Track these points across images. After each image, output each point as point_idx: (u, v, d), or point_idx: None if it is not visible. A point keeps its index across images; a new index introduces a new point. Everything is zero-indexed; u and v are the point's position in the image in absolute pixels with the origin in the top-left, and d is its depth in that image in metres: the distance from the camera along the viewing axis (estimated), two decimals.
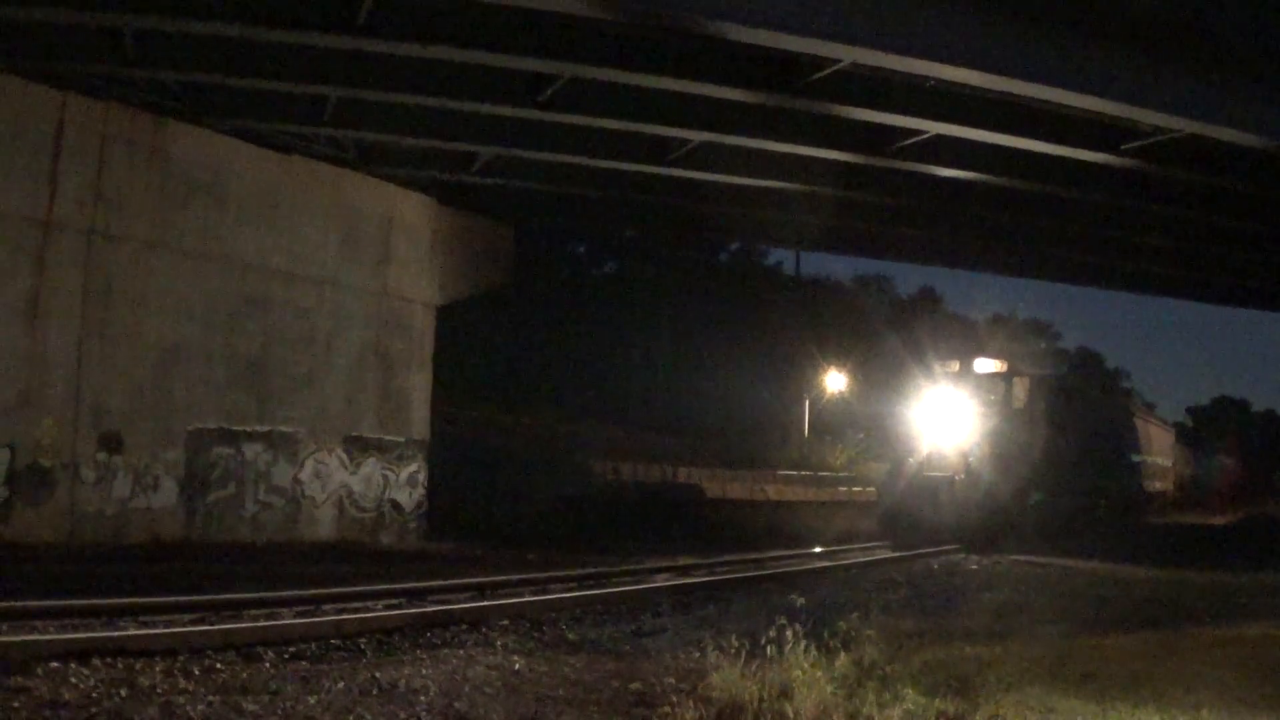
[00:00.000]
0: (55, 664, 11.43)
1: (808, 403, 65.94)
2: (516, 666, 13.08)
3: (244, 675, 11.77)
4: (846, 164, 31.82)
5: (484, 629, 15.78)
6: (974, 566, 28.20)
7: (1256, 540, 41.98)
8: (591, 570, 24.12)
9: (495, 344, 59.60)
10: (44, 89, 25.74)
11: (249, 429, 29.76)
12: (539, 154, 31.43)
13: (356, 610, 16.85)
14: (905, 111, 27.33)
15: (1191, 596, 22.68)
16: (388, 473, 33.35)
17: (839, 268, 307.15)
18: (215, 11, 22.70)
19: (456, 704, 11.09)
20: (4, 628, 13.59)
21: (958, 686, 11.99)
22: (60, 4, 22.29)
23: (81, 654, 11.84)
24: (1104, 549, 32.80)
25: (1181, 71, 25.44)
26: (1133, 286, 52.71)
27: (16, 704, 10.05)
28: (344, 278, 32.28)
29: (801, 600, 14.91)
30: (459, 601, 18.46)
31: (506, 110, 28.20)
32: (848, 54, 23.44)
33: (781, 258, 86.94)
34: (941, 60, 23.32)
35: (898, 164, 31.13)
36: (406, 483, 33.83)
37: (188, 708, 10.30)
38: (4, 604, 14.68)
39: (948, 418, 35.48)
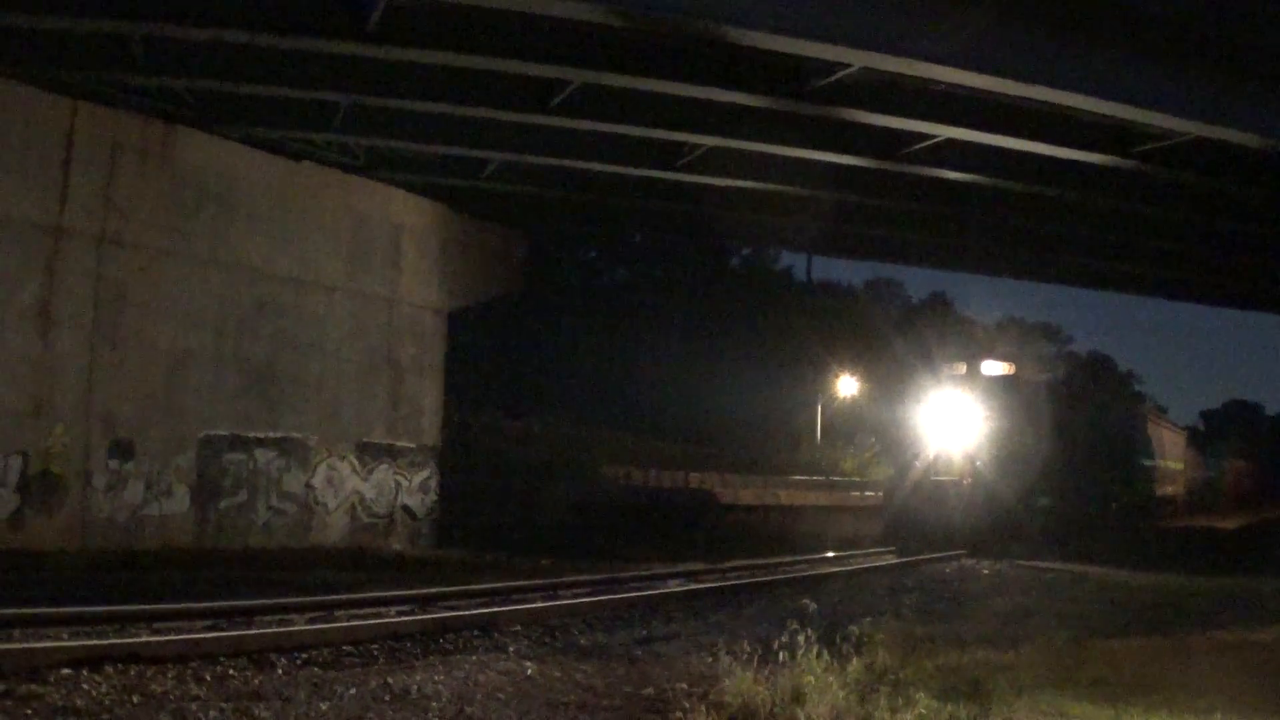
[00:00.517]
0: (67, 671, 11.41)
1: (819, 407, 65.93)
2: (529, 672, 13.06)
3: (256, 682, 11.76)
4: (856, 168, 31.80)
5: (496, 634, 15.75)
6: (985, 571, 28.16)
7: (1268, 544, 41.83)
8: (603, 576, 24.12)
9: (506, 350, 59.65)
10: (54, 97, 25.78)
11: (260, 435, 29.79)
12: (549, 160, 31.45)
13: (368, 616, 16.86)
14: (914, 116, 27.29)
15: (1202, 601, 22.63)
16: (399, 479, 33.39)
17: (850, 272, 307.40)
18: (224, 18, 22.73)
19: (468, 709, 11.08)
20: (16, 634, 13.59)
21: (970, 691, 11.99)
22: (69, 12, 22.33)
23: (94, 661, 11.82)
24: (1113, 554, 32.60)
25: (1192, 75, 25.38)
26: (1144, 290, 52.74)
27: (29, 711, 10.05)
28: (354, 284, 32.31)
29: (813, 605, 14.91)
30: (471, 607, 18.43)
31: (516, 116, 28.24)
32: (857, 59, 23.42)
33: (792, 262, 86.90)
34: (951, 64, 23.28)
35: (907, 168, 31.09)
36: (418, 489, 33.87)
37: (199, 714, 10.30)
38: (16, 611, 14.67)
39: (954, 421, 35.16)
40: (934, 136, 28.88)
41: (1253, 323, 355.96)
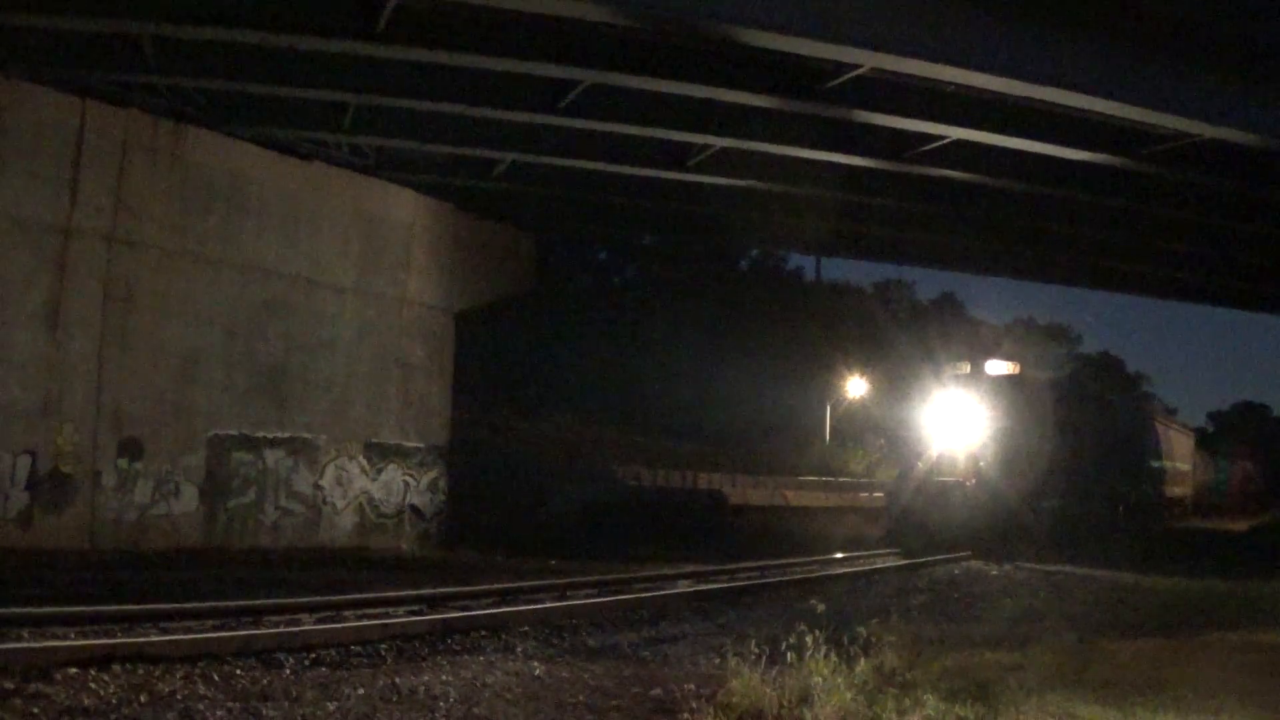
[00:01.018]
0: (75, 670, 11.42)
1: (829, 408, 65.92)
2: (536, 673, 13.07)
3: (263, 682, 11.77)
4: (865, 169, 31.81)
5: (504, 635, 15.74)
6: (993, 573, 28.13)
7: (1277, 546, 41.74)
8: (612, 576, 24.10)
9: (515, 350, 59.64)
10: (64, 96, 25.79)
11: (270, 435, 29.80)
12: (559, 160, 31.48)
13: (376, 616, 16.85)
14: (924, 116, 27.30)
15: (1211, 603, 22.58)
16: (408, 479, 33.38)
17: (859, 273, 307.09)
18: (234, 18, 22.76)
19: (476, 710, 11.09)
20: (24, 634, 13.59)
21: (978, 692, 11.97)
22: (80, 12, 22.36)
23: (101, 660, 11.83)
24: (1121, 556, 32.36)
25: (1201, 75, 25.37)
26: (1153, 291, 52.65)
27: (36, 710, 10.06)
28: (364, 284, 32.32)
29: (821, 606, 14.86)
30: (479, 607, 18.43)
31: (526, 116, 28.27)
32: (867, 59, 23.44)
33: (801, 263, 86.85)
34: (961, 65, 23.30)
35: (916, 169, 31.09)
36: (427, 489, 33.86)
37: (207, 714, 10.31)
38: (24, 610, 14.69)
39: (958, 421, 34.92)
40: (943, 137, 28.88)
41: (1262, 324, 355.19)
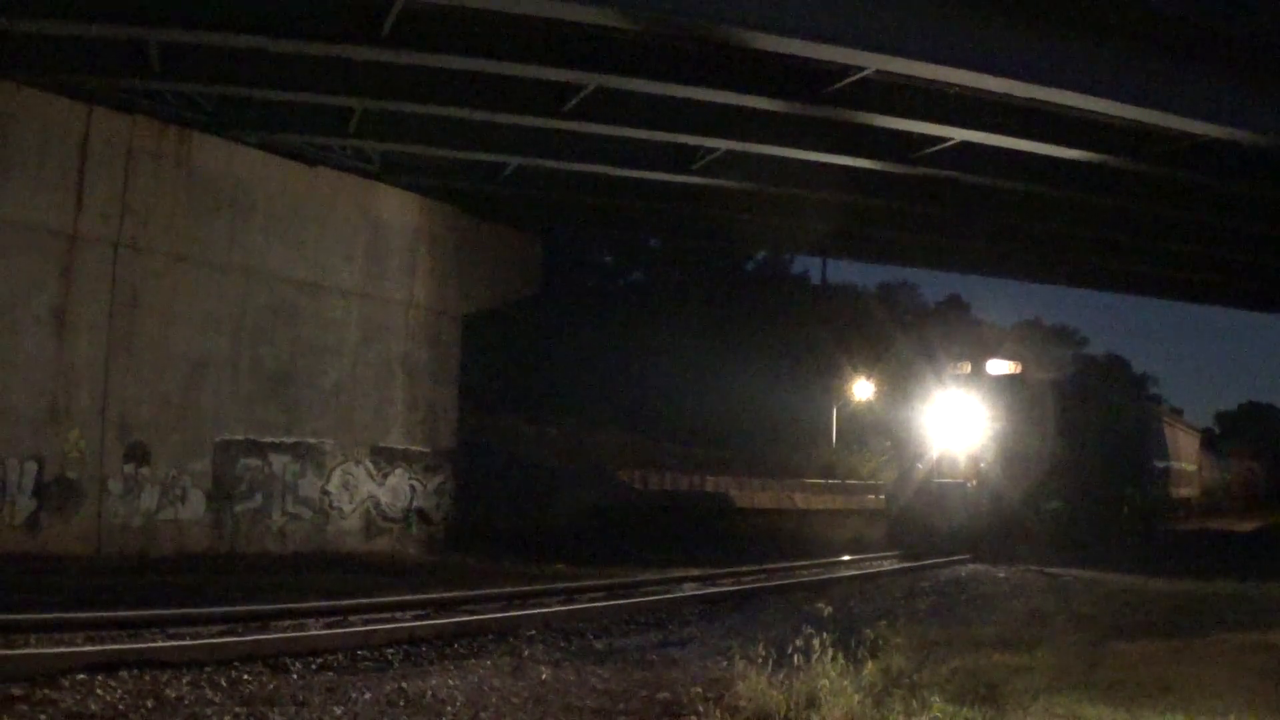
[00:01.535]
0: (82, 676, 11.44)
1: (835, 410, 65.86)
2: (544, 676, 13.06)
3: (271, 687, 11.78)
4: (870, 171, 31.82)
5: (511, 639, 15.75)
6: (1001, 575, 28.08)
7: None
8: (619, 580, 24.11)
9: (522, 353, 59.58)
10: (69, 102, 25.84)
11: (276, 440, 29.82)
12: (565, 164, 31.50)
13: (383, 621, 16.87)
14: (929, 118, 27.31)
15: (1218, 604, 22.52)
16: (415, 483, 33.39)
17: (865, 275, 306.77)
18: (239, 24, 22.78)
19: (483, 714, 11.08)
20: (31, 640, 13.62)
21: (985, 694, 11.96)
22: (84, 18, 22.37)
23: (108, 666, 11.85)
24: (1125, 558, 32.13)
25: (1206, 75, 25.37)
26: (1160, 292, 52.66)
27: (44, 716, 10.07)
28: (371, 289, 32.34)
29: (828, 609, 14.85)
30: (486, 611, 18.44)
31: (532, 120, 28.29)
32: (871, 62, 23.46)
33: (807, 266, 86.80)
34: (965, 67, 23.31)
35: (922, 171, 31.08)
36: (434, 493, 33.88)
37: (214, 719, 10.32)
38: (32, 616, 14.73)
39: (959, 421, 34.48)
40: (948, 139, 28.89)
41: (1269, 324, 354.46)
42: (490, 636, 15.83)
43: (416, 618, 17.50)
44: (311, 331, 30.85)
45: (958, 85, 25.48)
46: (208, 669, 12.29)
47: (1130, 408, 52.59)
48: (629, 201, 35.92)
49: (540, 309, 51.72)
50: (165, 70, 25.24)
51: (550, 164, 31.76)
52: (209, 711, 10.59)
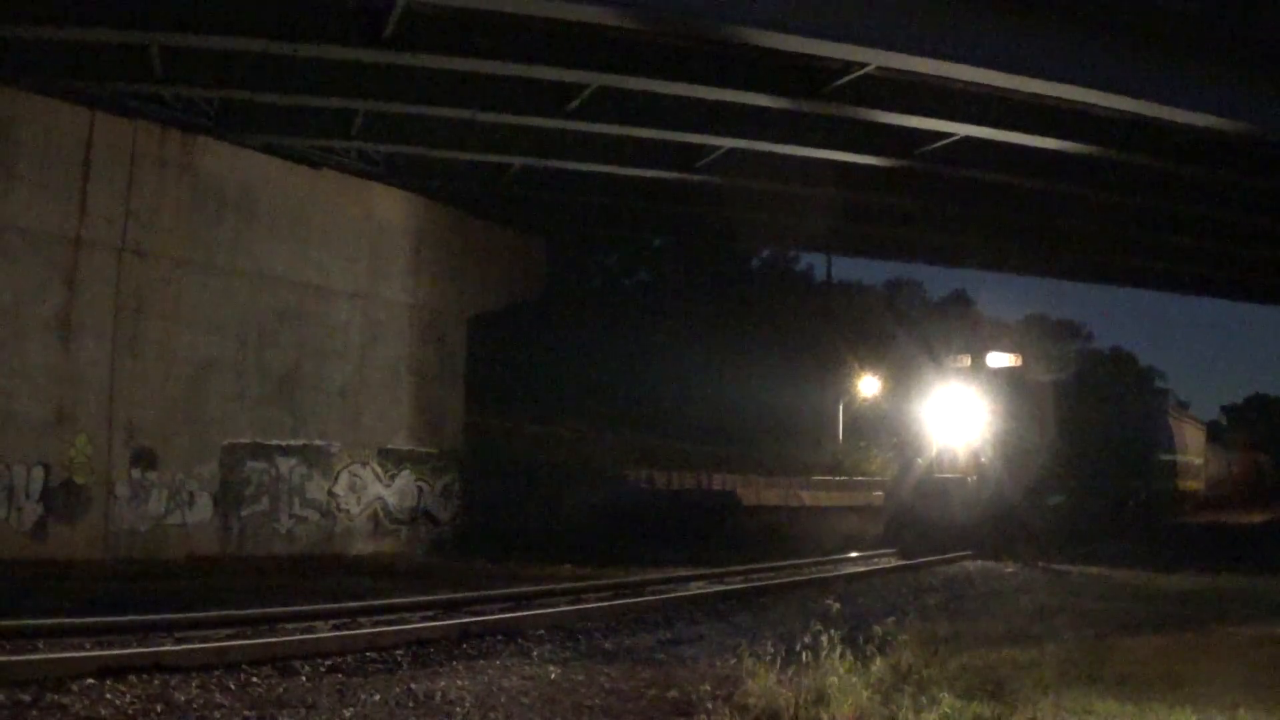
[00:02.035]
0: (91, 681, 11.44)
1: (841, 407, 65.84)
2: (553, 676, 13.06)
3: (280, 689, 11.78)
4: (874, 168, 31.80)
5: (520, 639, 15.73)
6: (1009, 570, 28.03)
7: None
8: (626, 579, 24.10)
9: (528, 354, 59.60)
10: (72, 108, 25.87)
11: (283, 443, 29.84)
12: (568, 164, 31.49)
13: (392, 622, 16.85)
14: (932, 114, 27.31)
15: (1226, 598, 22.48)
16: (422, 485, 33.41)
17: (870, 272, 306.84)
18: (241, 28, 22.82)
19: (492, 715, 11.09)
20: (40, 645, 13.63)
21: (994, 690, 11.95)
22: (88, 23, 22.41)
23: (117, 670, 11.84)
24: (1128, 552, 31.96)
25: (1210, 70, 25.34)
26: (1165, 286, 52.60)
27: None
28: (376, 291, 32.36)
29: (836, 605, 14.83)
30: (494, 612, 18.44)
31: (535, 121, 28.34)
32: (874, 58, 23.47)
33: (811, 263, 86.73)
34: (967, 63, 23.30)
35: (926, 167, 31.06)
36: (440, 494, 33.89)
37: None
38: (40, 621, 14.73)
39: (959, 416, 34.08)
40: (951, 135, 28.88)
41: (1275, 318, 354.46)
42: (499, 637, 15.81)
43: (424, 619, 17.47)
44: (317, 334, 30.88)
45: (961, 81, 25.48)
46: (216, 672, 12.29)
47: (1134, 400, 52.28)
48: (633, 201, 35.94)
49: (545, 309, 51.68)
50: (168, 74, 25.29)
51: (554, 164, 31.79)
52: (218, 715, 10.59)
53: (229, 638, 14.79)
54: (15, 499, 24.58)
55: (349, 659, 13.64)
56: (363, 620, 17.19)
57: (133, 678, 11.73)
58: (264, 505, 29.32)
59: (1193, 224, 38.72)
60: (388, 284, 32.80)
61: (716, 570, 26.28)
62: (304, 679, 12.43)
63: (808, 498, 53.24)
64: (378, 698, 11.49)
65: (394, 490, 32.60)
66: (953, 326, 39.45)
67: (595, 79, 25.42)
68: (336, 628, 16.32)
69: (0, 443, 24.57)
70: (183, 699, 11.08)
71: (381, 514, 32.16)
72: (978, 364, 34.99)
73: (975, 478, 33.07)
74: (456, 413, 35.08)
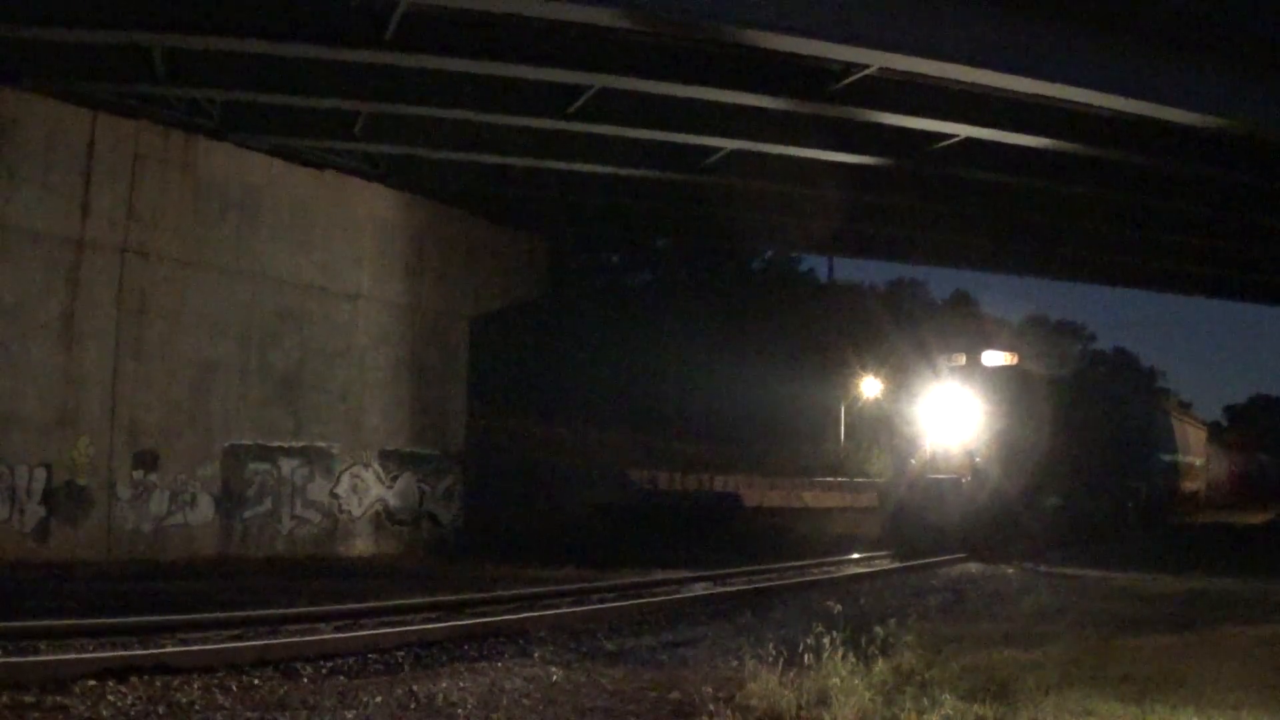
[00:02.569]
0: (93, 682, 11.45)
1: (843, 408, 65.90)
2: (555, 678, 13.05)
3: (282, 691, 11.78)
4: (876, 169, 31.77)
5: (522, 641, 15.73)
6: (1010, 571, 27.99)
7: None
8: (629, 580, 24.10)
9: (531, 355, 59.67)
10: (75, 109, 25.88)
11: (285, 444, 29.84)
12: (571, 165, 31.48)
13: (394, 624, 16.84)
14: (934, 115, 27.29)
15: (1228, 599, 22.46)
16: (424, 486, 33.41)
17: (872, 273, 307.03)
18: (244, 29, 22.83)
19: (494, 716, 11.08)
20: (42, 646, 13.63)
21: (997, 691, 11.94)
22: (90, 24, 22.43)
23: (119, 672, 11.85)
24: (1127, 554, 31.75)
25: (1212, 69, 25.31)
26: (1167, 286, 52.55)
27: None
28: (378, 292, 32.37)
29: (838, 607, 14.83)
30: (496, 613, 18.44)
31: (537, 122, 28.32)
32: (876, 59, 23.45)
33: (814, 264, 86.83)
34: (969, 63, 23.28)
35: (928, 168, 31.06)
36: (443, 495, 33.89)
37: None
38: (42, 622, 14.74)
39: (954, 414, 33.71)
40: (953, 135, 28.87)
41: (1277, 317, 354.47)
42: (501, 638, 15.82)
43: (427, 620, 17.48)
44: (319, 335, 30.88)
45: (962, 82, 25.46)
46: (219, 673, 12.30)
47: (1134, 400, 52.00)
48: (635, 202, 35.94)
49: (548, 310, 51.83)
50: (170, 75, 25.32)
51: (556, 165, 31.78)
52: (220, 716, 10.60)
53: (231, 639, 14.81)
54: (18, 500, 24.58)
55: (351, 661, 13.65)
56: (364, 622, 17.19)
57: (135, 679, 11.74)
58: (266, 506, 29.32)
59: (1195, 224, 38.67)
60: (390, 285, 32.80)
61: (719, 571, 26.27)
62: (306, 681, 12.43)
63: (810, 499, 53.37)
64: (380, 700, 11.49)
65: (396, 491, 32.60)
66: (954, 326, 39.02)
67: (598, 80, 25.41)
68: (338, 629, 16.33)
69: (3, 444, 24.56)
70: (185, 700, 11.08)
71: (383, 515, 32.16)
72: (973, 362, 34.55)
73: (970, 478, 32.57)
74: (459, 413, 35.07)
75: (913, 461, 34.27)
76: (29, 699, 10.70)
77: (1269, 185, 32.78)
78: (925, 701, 11.30)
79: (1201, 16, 23.93)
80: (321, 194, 31.07)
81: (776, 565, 28.45)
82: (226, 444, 28.59)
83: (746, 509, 48.46)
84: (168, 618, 15.98)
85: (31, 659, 12.33)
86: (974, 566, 28.78)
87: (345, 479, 31.17)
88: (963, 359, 34.71)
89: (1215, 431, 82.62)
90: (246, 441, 28.99)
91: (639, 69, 24.71)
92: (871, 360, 64.97)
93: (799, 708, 10.99)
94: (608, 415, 59.11)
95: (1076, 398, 37.67)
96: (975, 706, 11.17)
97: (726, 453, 59.25)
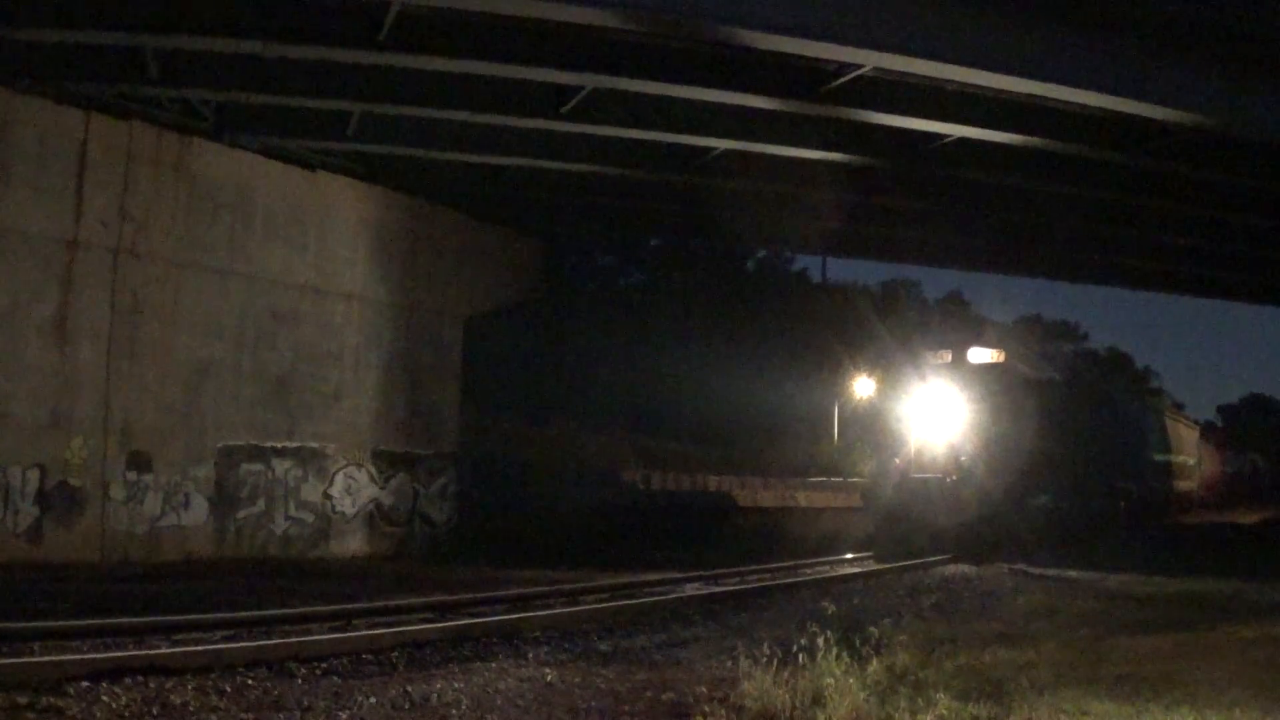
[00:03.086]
0: (87, 683, 11.43)
1: (837, 408, 65.86)
2: (549, 678, 13.05)
3: (276, 692, 11.77)
4: (870, 169, 31.80)
5: (516, 641, 15.73)
6: (988, 574, 27.94)
7: None
8: (623, 580, 24.10)
9: (524, 355, 59.57)
10: (67, 109, 25.89)
11: (278, 445, 29.85)
12: (564, 165, 31.48)
13: (388, 624, 16.83)
14: (928, 115, 27.30)
15: (1222, 599, 22.46)
16: (418, 486, 33.43)
17: (866, 273, 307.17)
18: (237, 29, 22.83)
19: (489, 717, 11.08)
20: (36, 647, 13.61)
21: (991, 691, 11.95)
22: (82, 25, 22.43)
23: (114, 673, 11.83)
24: (1117, 555, 31.36)
25: (1208, 70, 25.33)
26: (1161, 286, 52.62)
27: None
28: (372, 292, 32.38)
29: (832, 607, 14.84)
30: (490, 614, 18.44)
31: (531, 122, 28.32)
32: (870, 59, 23.45)
33: (807, 264, 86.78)
34: (963, 64, 23.29)
35: (922, 168, 31.07)
36: (436, 496, 33.91)
37: None
38: (36, 624, 14.72)
39: (940, 413, 32.89)
40: (947, 136, 28.90)
41: (1271, 318, 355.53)
42: (495, 639, 15.82)
43: (421, 621, 17.47)
44: (313, 335, 30.88)
45: (956, 82, 25.48)
46: (213, 674, 12.29)
47: (1125, 399, 51.68)
48: (629, 202, 35.97)
49: (541, 310, 51.66)
50: (163, 76, 25.32)
51: (550, 165, 31.78)
52: (214, 717, 10.59)
53: (225, 640, 14.79)
54: (11, 501, 24.58)
55: (345, 661, 13.64)
56: (358, 622, 17.17)
57: (129, 680, 11.71)
58: (259, 507, 29.33)
59: (1189, 224, 38.72)
60: (384, 285, 32.81)
61: (713, 572, 26.27)
62: (300, 681, 12.42)
63: (803, 499, 53.28)
64: (373, 700, 11.48)
65: (389, 492, 32.61)
66: (946, 326, 38.66)
67: (591, 80, 25.42)
68: (332, 630, 16.31)
69: None
70: (179, 701, 11.07)
71: (377, 515, 32.18)
72: (959, 359, 34.14)
73: (955, 477, 32.08)
74: (452, 414, 35.10)
75: (896, 461, 33.74)
76: (23, 700, 10.67)
77: (1262, 185, 32.83)
78: (919, 701, 11.30)
79: (1195, 17, 23.93)
80: (315, 195, 31.09)
81: (770, 565, 28.44)
82: (220, 444, 28.59)
83: (740, 509, 48.37)
84: (161, 619, 15.95)
85: (25, 660, 12.30)
86: (962, 568, 28.62)
87: (339, 479, 31.17)
88: (948, 356, 34.30)
89: (1208, 431, 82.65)
90: (240, 442, 28.99)
91: (633, 69, 24.71)
92: (865, 360, 65.03)
93: (793, 707, 10.97)
94: (602, 415, 59.01)
95: (1066, 396, 37.27)
96: (970, 706, 11.17)
97: (720, 453, 59.17)
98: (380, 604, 18.86)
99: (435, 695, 11.80)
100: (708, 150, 30.84)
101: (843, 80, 25.14)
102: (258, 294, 29.66)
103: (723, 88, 25.66)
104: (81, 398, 25.98)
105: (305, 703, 11.29)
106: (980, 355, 34.28)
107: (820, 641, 12.30)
